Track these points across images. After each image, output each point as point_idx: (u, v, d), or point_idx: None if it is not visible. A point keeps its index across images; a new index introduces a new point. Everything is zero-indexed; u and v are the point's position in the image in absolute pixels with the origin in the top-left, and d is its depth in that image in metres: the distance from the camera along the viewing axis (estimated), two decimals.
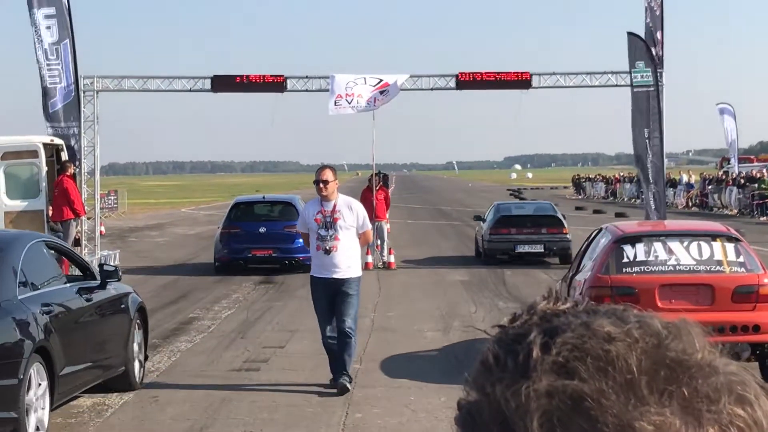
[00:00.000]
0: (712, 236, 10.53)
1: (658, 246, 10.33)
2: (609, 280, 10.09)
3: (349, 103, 22.58)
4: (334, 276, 10.02)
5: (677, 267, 10.19)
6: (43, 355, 8.25)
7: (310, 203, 10.54)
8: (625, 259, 10.26)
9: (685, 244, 10.35)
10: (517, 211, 24.54)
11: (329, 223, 10.03)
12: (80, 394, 9.68)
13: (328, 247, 10.00)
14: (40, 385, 8.22)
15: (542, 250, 22.52)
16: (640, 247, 10.31)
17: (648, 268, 10.21)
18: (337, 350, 10.05)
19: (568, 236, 22.43)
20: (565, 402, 0.82)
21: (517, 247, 22.58)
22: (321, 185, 10.11)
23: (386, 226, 23.80)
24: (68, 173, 20.20)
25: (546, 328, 0.87)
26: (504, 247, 22.74)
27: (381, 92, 22.56)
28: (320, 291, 10.13)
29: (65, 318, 8.94)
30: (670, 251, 10.27)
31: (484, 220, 24.15)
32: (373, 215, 23.02)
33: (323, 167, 10.37)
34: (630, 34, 22.93)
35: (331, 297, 10.07)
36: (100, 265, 10.34)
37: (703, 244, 10.33)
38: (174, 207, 65.71)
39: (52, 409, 8.55)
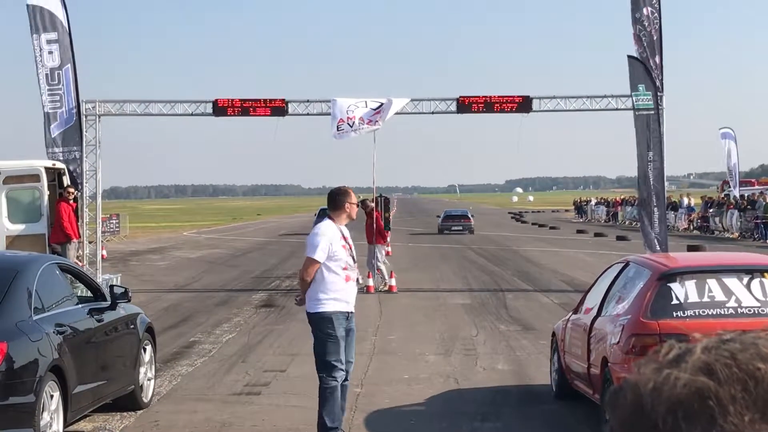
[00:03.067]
0: None
1: (712, 284, 8.62)
2: (657, 327, 8.32)
3: (351, 127, 22.62)
4: (352, 309, 8.96)
5: (739, 309, 8.51)
6: (57, 373, 8.46)
7: (327, 226, 8.92)
8: (675, 301, 8.56)
9: (745, 281, 8.67)
10: (452, 213, 56.43)
11: (352, 249, 8.96)
12: (89, 414, 9.68)
13: (357, 278, 8.97)
14: (54, 402, 8.39)
15: (461, 229, 51.62)
16: (691, 285, 8.61)
17: (704, 312, 8.47)
18: (340, 397, 8.85)
19: (472, 223, 52.49)
20: (694, 396, 0.88)
21: (452, 227, 52.06)
22: (359, 207, 9.23)
23: (381, 250, 23.64)
24: (65, 197, 20.39)
25: (724, 339, 0.94)
26: (446, 228, 52.19)
27: (379, 114, 22.61)
28: (343, 327, 8.82)
29: (78, 338, 9.13)
30: (727, 290, 8.59)
31: (440, 217, 55.94)
32: (373, 239, 23.15)
33: (347, 189, 9.21)
34: (630, 57, 22.94)
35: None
36: (111, 287, 10.48)
37: (766, 282, 8.75)
38: (175, 231, 65.73)
39: (65, 427, 8.67)
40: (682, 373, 0.90)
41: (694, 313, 8.45)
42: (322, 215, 26.83)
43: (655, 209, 22.59)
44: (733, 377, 0.89)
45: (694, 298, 8.54)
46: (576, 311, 10.52)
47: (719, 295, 8.55)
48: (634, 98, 22.72)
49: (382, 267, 23.50)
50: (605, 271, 10.33)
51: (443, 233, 50.93)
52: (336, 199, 8.94)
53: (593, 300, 9.94)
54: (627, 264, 9.67)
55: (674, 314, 8.44)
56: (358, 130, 22.63)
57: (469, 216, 53.61)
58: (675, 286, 8.60)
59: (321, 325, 8.73)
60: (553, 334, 11.19)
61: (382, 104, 22.82)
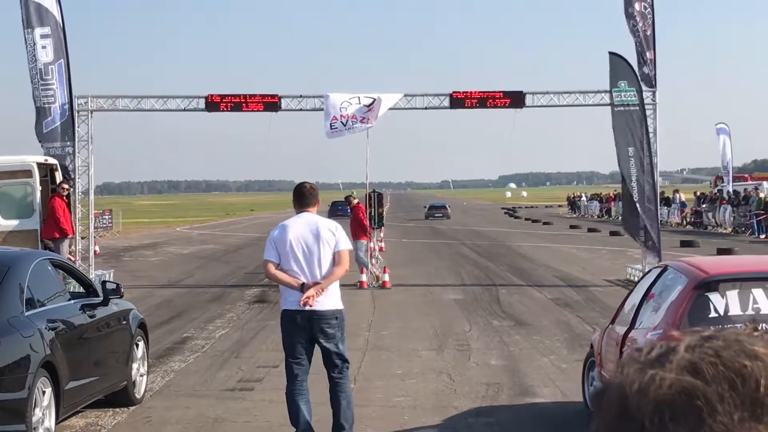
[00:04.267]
0: None
1: (758, 294, 7.55)
2: None
3: (344, 125, 22.57)
4: None
5: None
6: (49, 369, 8.43)
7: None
8: (713, 313, 7.49)
9: None
10: (435, 204, 78.93)
11: None
12: (81, 410, 9.66)
13: None
14: (46, 398, 8.36)
15: (441, 216, 71.83)
16: (733, 295, 7.54)
17: None
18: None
19: (449, 212, 74.14)
20: (681, 396, 0.88)
21: (434, 215, 73.07)
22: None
23: (360, 246, 23.39)
24: (59, 193, 20.35)
25: (706, 336, 0.94)
26: (430, 215, 73.33)
27: (371, 112, 22.56)
28: None
29: (70, 334, 9.11)
30: None
31: (426, 207, 79.10)
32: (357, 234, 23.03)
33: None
34: (612, 54, 22.96)
35: None
36: (103, 282, 10.46)
37: None
38: (168, 226, 65.66)
39: (57, 423, 8.66)
40: (667, 373, 0.90)
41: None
42: (335, 208, 25.65)
43: (640, 205, 22.50)
44: (720, 376, 0.88)
45: (735, 310, 7.48)
46: (613, 321, 9.46)
47: (766, 307, 7.48)
48: (614, 95, 22.73)
49: (365, 261, 23.36)
50: (644, 276, 9.38)
51: (428, 219, 71.79)
52: (314, 194, 8.69)
53: (628, 309, 8.99)
54: (665, 269, 8.62)
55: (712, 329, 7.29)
56: (352, 128, 22.58)
57: (447, 207, 76.67)
58: (714, 296, 7.53)
59: (344, 322, 8.63)
60: (591, 346, 10.12)
61: (374, 100, 22.77)
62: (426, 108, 24.59)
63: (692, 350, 0.91)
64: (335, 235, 8.44)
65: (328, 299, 8.36)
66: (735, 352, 0.90)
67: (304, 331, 8.45)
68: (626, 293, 17.84)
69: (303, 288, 8.27)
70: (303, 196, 8.61)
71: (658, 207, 23.76)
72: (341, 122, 22.48)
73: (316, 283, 8.27)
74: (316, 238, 8.37)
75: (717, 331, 0.95)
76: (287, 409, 8.60)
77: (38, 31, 22.45)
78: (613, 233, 43.08)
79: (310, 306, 8.25)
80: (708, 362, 0.89)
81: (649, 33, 22.99)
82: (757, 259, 11.09)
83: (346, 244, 8.53)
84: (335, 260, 8.38)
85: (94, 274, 21.84)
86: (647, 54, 22.97)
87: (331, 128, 22.56)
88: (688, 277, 7.81)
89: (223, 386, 11.47)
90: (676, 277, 8.06)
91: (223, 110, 24.51)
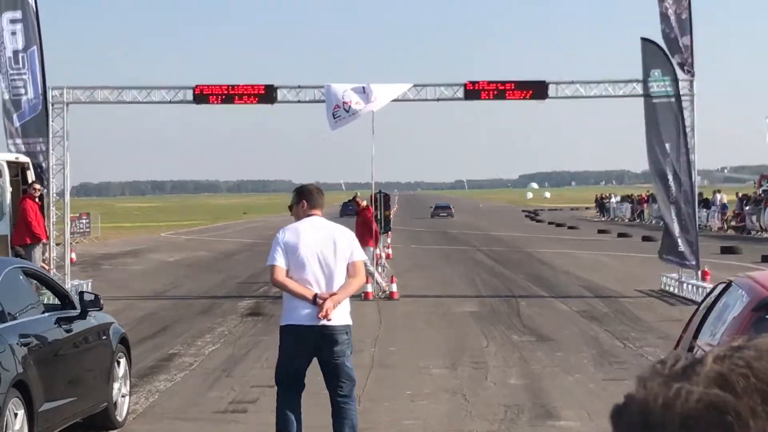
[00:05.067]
0: None
1: None
2: None
3: (347, 111, 22.50)
4: None
5: None
6: (21, 389, 8.44)
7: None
8: None
9: None
10: (440, 204, 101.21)
11: None
12: None
13: None
14: (18, 421, 8.35)
15: (446, 215, 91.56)
16: None
17: None
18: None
19: (452, 211, 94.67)
20: (710, 410, 0.90)
21: (439, 214, 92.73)
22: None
23: (368, 252, 23.38)
24: (31, 194, 20.39)
25: (736, 346, 0.96)
26: (436, 214, 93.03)
27: (373, 95, 22.50)
28: None
29: (44, 350, 9.13)
30: None
31: (431, 207, 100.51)
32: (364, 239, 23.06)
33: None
34: (644, 40, 22.87)
35: None
36: (80, 294, 10.45)
37: None
38: (152, 231, 65.81)
39: None
40: (694, 387, 0.91)
41: None
42: (345, 208, 26.31)
43: (673, 207, 22.45)
44: (752, 388, 0.89)
45: None
46: (676, 345, 8.95)
47: None
48: (648, 85, 22.69)
49: (371, 270, 23.37)
50: (708, 294, 9.00)
51: (433, 218, 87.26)
52: (323, 195, 8.79)
53: (689, 331, 8.48)
54: (729, 285, 8.10)
55: None
56: (356, 113, 22.51)
57: (451, 207, 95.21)
58: None
59: (351, 337, 8.63)
60: None
61: (367, 87, 22.75)
62: (438, 99, 24.59)
63: (721, 361, 0.92)
64: (351, 244, 8.49)
65: (339, 313, 8.30)
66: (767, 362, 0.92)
67: (308, 348, 8.39)
68: (659, 304, 17.97)
69: (315, 299, 8.22)
70: (313, 198, 8.62)
71: (696, 209, 23.73)
72: (344, 109, 22.44)
73: (331, 295, 8.22)
74: (332, 247, 8.34)
75: (747, 341, 0.97)
76: (276, 417, 8.51)
77: (7, 16, 22.50)
78: (645, 238, 43.07)
79: (329, 320, 8.19)
80: (738, 374, 0.90)
81: (684, 17, 22.95)
82: None
83: (360, 254, 8.59)
84: (350, 271, 8.39)
85: (70, 284, 21.88)
86: (683, 40, 22.95)
87: (334, 117, 22.55)
88: (750, 294, 7.28)
89: (213, 408, 11.51)
90: (738, 295, 7.58)
91: (213, 103, 24.55)
